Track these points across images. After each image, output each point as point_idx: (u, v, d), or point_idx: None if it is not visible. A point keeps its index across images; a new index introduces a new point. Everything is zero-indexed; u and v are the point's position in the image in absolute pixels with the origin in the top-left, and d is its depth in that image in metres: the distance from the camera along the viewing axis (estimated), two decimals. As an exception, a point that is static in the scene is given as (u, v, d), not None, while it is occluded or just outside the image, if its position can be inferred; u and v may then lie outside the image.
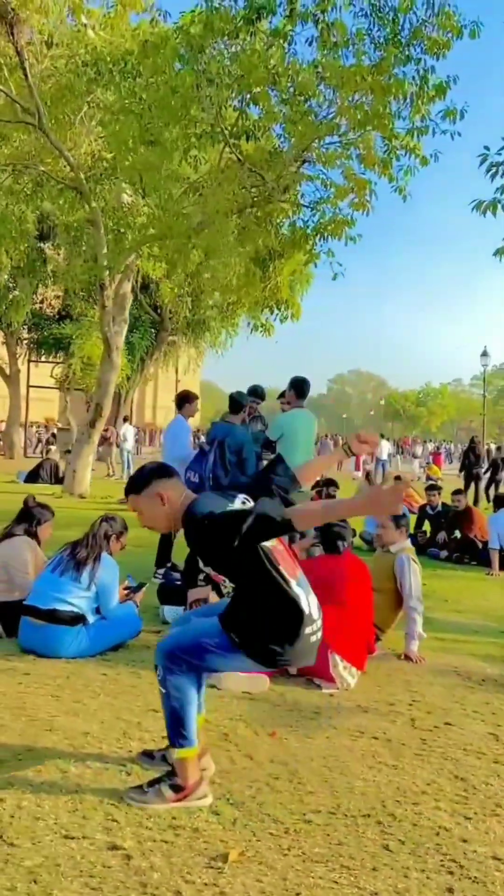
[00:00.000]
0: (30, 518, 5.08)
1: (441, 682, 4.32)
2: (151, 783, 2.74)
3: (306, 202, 11.34)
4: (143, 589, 5.08)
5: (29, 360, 33.36)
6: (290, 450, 6.55)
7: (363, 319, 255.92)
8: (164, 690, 2.72)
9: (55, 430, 36.48)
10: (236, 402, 6.79)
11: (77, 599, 4.42)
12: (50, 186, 13.19)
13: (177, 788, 2.69)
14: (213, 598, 5.10)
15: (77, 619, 4.43)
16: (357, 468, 25.25)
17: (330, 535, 4.60)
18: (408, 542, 5.24)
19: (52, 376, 31.33)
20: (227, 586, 3.87)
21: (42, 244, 23.11)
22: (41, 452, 28.92)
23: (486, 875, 2.36)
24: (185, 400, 7.33)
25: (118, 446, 22.70)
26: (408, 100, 10.43)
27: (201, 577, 5.43)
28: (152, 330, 29.52)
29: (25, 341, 32.56)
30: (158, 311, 27.28)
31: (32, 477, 18.40)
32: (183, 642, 2.73)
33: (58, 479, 17.43)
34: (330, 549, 4.60)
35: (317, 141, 10.53)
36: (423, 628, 5.03)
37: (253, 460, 6.67)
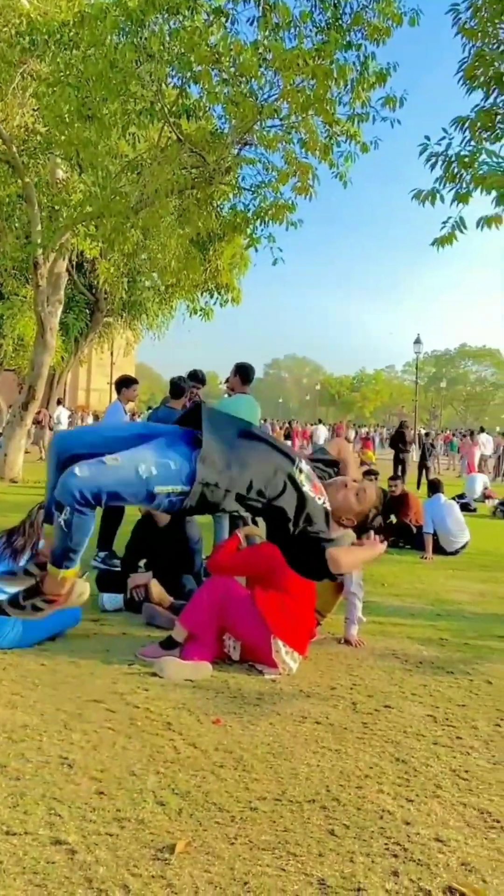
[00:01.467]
0: None
1: (380, 666, 4.38)
2: (26, 597, 2.94)
3: (247, 185, 11.28)
4: (84, 577, 4.97)
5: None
6: (231, 435, 6.53)
7: (300, 305, 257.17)
8: (66, 529, 2.80)
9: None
10: (178, 388, 6.73)
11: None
12: (-20, 160, 12.73)
13: (50, 601, 2.92)
14: (155, 586, 5.07)
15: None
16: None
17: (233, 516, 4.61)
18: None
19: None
20: None
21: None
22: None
23: (429, 857, 2.40)
24: (122, 384, 7.22)
25: (51, 429, 22.30)
26: (348, 85, 10.44)
27: (141, 563, 5.40)
28: (87, 311, 29.03)
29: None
30: (94, 291, 26.83)
31: (-38, 460, 17.89)
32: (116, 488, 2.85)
33: (-11, 463, 16.99)
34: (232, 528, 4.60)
35: (258, 123, 10.44)
36: (364, 612, 5.09)
37: (193, 446, 6.62)
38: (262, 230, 10.97)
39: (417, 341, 35.71)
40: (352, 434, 31.11)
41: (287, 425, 31.02)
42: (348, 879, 2.26)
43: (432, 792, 2.85)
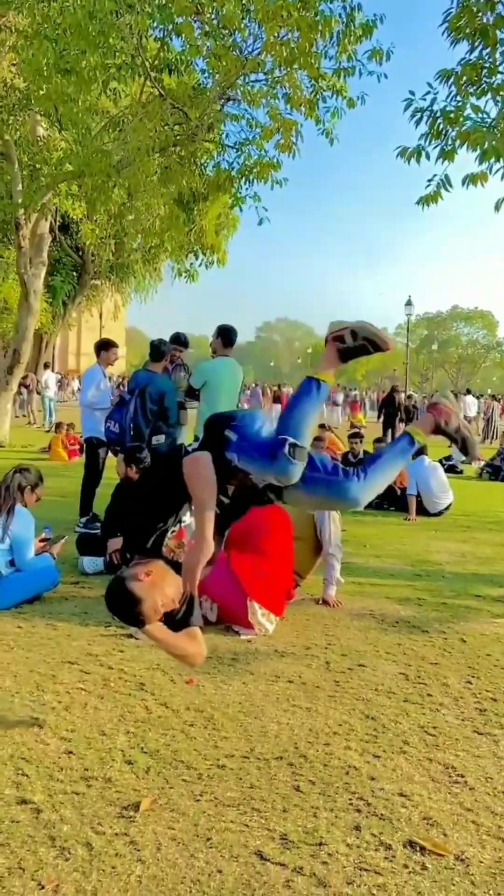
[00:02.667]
0: None
1: (356, 626, 4.41)
2: None
3: (231, 143, 11.04)
4: (62, 541, 4.97)
5: None
6: (214, 398, 6.48)
7: (292, 267, 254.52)
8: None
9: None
10: (158, 350, 6.65)
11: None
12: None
13: None
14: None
15: (-13, 571, 4.32)
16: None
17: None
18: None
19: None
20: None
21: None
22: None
23: (392, 812, 2.43)
24: (102, 347, 7.13)
25: (39, 394, 22.15)
26: (334, 38, 10.19)
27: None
28: (74, 273, 28.64)
29: None
30: (81, 253, 26.40)
31: None
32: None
33: (-25, 427, 16.91)
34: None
35: (242, 78, 10.20)
36: (342, 573, 5.11)
37: (175, 409, 6.59)
38: (246, 189, 10.81)
39: (408, 303, 35.44)
40: (340, 397, 30.93)
41: (276, 388, 30.89)
42: (310, 834, 2.29)
43: (399, 748, 2.88)
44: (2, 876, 2.02)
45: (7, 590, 4.38)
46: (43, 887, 1.99)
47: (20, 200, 12.05)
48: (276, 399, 23.22)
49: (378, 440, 10.08)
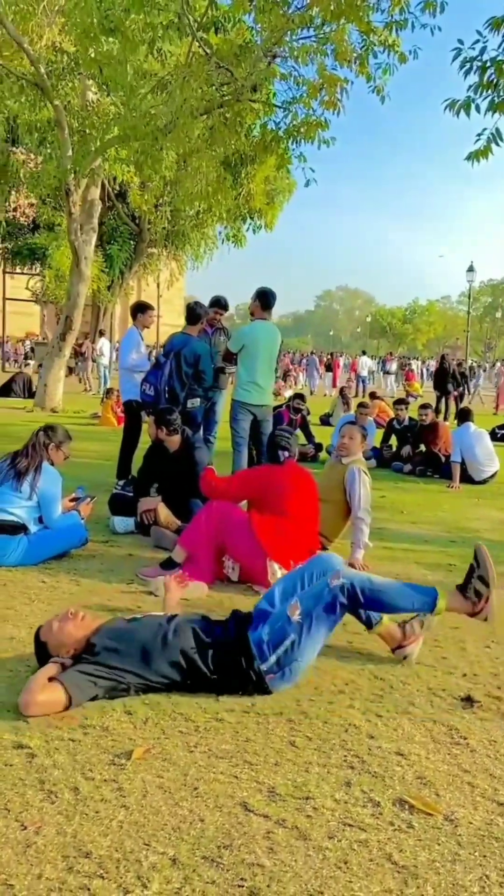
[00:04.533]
0: None
1: (380, 589, 4.34)
2: None
3: (278, 102, 10.80)
4: (91, 501, 5.01)
5: (4, 272, 32.55)
6: (251, 362, 6.44)
7: (353, 234, 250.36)
8: None
9: (33, 344, 35.98)
10: (194, 313, 6.62)
11: (17, 509, 4.38)
12: (10, 83, 12.48)
13: None
14: (162, 509, 5.09)
15: (18, 528, 4.39)
16: (333, 384, 25.12)
17: (272, 445, 4.55)
18: (360, 455, 5.20)
19: (27, 288, 30.68)
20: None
21: (14, 148, 22.16)
22: (21, 367, 28.61)
23: (386, 770, 2.39)
24: (137, 310, 7.14)
25: (94, 361, 22.43)
26: (386, -11, 9.83)
27: (153, 488, 5.42)
28: (131, 242, 28.71)
29: (-1, 252, 31.71)
30: (137, 221, 26.46)
31: (5, 391, 18.27)
32: None
33: (30, 394, 17.30)
34: (272, 459, 4.54)
35: (289, 35, 9.94)
36: (376, 538, 5.05)
37: (210, 372, 6.57)
38: (294, 150, 10.57)
39: (471, 269, 34.49)
40: (393, 366, 30.46)
41: (329, 356, 30.62)
42: (299, 788, 2.27)
43: (404, 709, 2.83)
44: (-13, 815, 2.06)
45: (35, 546, 4.45)
46: (25, 828, 2.02)
47: (70, 166, 12.08)
48: (328, 367, 23.05)
49: (424, 406, 9.86)
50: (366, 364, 27.22)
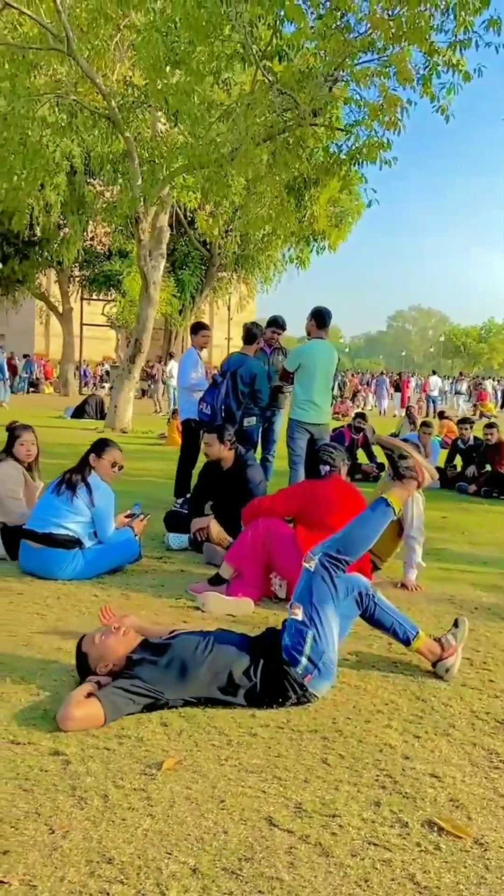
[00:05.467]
0: (11, 440, 5.09)
1: (431, 610, 4.28)
2: None
3: (340, 125, 10.86)
4: (145, 518, 5.08)
5: (81, 299, 33.62)
6: (308, 381, 6.47)
7: (425, 253, 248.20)
8: None
9: (108, 368, 36.92)
10: (250, 333, 6.70)
11: (72, 524, 4.50)
12: (84, 117, 12.98)
13: None
14: (214, 526, 5.14)
15: (73, 542, 4.51)
16: (402, 405, 24.85)
17: (314, 460, 4.55)
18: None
19: (103, 314, 31.56)
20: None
21: (92, 179, 22.95)
22: (96, 389, 29.44)
23: (418, 791, 2.35)
24: (192, 330, 7.28)
25: (164, 383, 22.83)
26: (449, 11, 9.82)
27: (207, 507, 5.48)
28: (202, 267, 29.22)
29: (77, 279, 32.74)
30: (208, 246, 26.93)
31: (79, 413, 18.76)
32: None
33: (103, 415, 17.72)
34: (313, 474, 4.54)
35: (350, 58, 10.02)
36: (432, 559, 4.98)
37: (266, 391, 6.62)
38: (357, 170, 10.59)
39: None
40: (464, 386, 29.93)
41: (397, 377, 30.35)
42: (327, 805, 2.25)
43: (444, 731, 2.77)
44: (18, 819, 2.12)
45: (89, 561, 4.56)
46: (53, 832, 2.07)
47: (139, 194, 12.43)
48: (396, 387, 22.87)
49: (489, 426, 9.65)
50: (436, 384, 26.85)
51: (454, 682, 3.22)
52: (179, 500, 6.87)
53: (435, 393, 26.28)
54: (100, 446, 4.80)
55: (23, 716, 2.73)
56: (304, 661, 2.83)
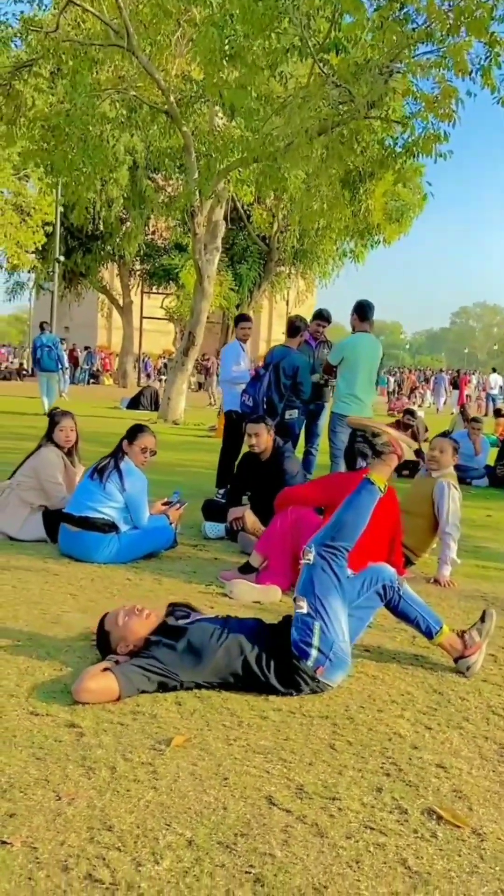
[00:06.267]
0: (51, 426, 5.22)
1: (461, 606, 4.25)
2: None
3: (396, 118, 10.75)
4: (180, 506, 5.15)
5: (142, 292, 34.11)
6: (351, 374, 6.46)
7: (491, 249, 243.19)
8: None
9: (167, 361, 37.38)
10: (293, 326, 6.72)
11: (107, 508, 4.60)
12: (143, 112, 13.15)
13: None
14: (249, 516, 5.19)
15: (109, 526, 4.62)
16: (459, 402, 24.46)
17: (351, 453, 4.55)
18: (451, 469, 5.10)
19: (162, 307, 31.92)
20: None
21: (154, 174, 23.25)
22: (153, 381, 29.84)
23: (421, 780, 2.35)
24: (234, 322, 7.33)
25: (218, 376, 23.00)
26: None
27: (245, 496, 5.54)
28: (260, 261, 29.27)
29: (138, 273, 33.22)
30: (266, 241, 26.95)
31: (134, 404, 19.08)
32: None
33: (157, 406, 17.98)
34: (350, 467, 4.54)
35: (408, 50, 9.91)
36: (470, 556, 4.94)
37: (308, 384, 6.63)
38: (413, 163, 10.47)
39: None
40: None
41: (455, 374, 29.88)
42: (328, 788, 2.28)
43: (457, 724, 2.77)
44: (28, 785, 2.20)
45: (125, 546, 4.66)
46: (60, 798, 2.15)
47: (195, 188, 12.55)
48: (455, 384, 22.56)
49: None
50: (496, 382, 26.34)
51: (474, 678, 3.20)
52: (221, 491, 6.94)
53: (495, 391, 25.78)
54: (133, 433, 4.87)
55: (44, 689, 2.83)
56: (314, 652, 2.84)
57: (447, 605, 4.24)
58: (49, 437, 5.16)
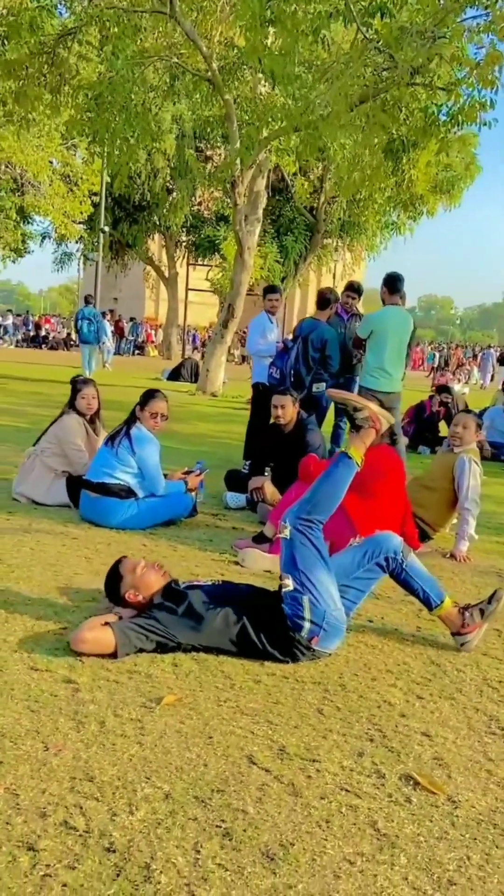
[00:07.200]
0: (74, 394, 5.29)
1: (474, 581, 4.22)
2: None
3: (442, 84, 10.46)
4: (199, 474, 5.18)
5: (188, 264, 34.08)
6: (380, 348, 6.40)
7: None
8: None
9: (212, 333, 37.43)
10: (323, 298, 6.67)
11: (122, 474, 4.67)
12: (186, 80, 13.05)
13: None
14: (269, 487, 5.22)
15: (127, 492, 4.69)
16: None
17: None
18: (473, 445, 5.04)
19: (206, 279, 31.86)
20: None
21: (200, 143, 23.12)
22: (194, 353, 30.00)
23: (404, 746, 2.38)
24: (262, 294, 7.29)
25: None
26: None
27: (267, 468, 5.56)
28: (307, 233, 28.94)
29: (184, 244, 33.17)
30: (314, 212, 26.63)
31: (174, 375, 19.20)
32: None
33: (197, 378, 18.05)
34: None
35: (454, 14, 9.60)
36: (492, 532, 4.90)
37: (337, 357, 6.58)
38: (456, 132, 10.22)
39: None
40: None
41: (502, 349, 29.27)
42: (310, 751, 2.32)
43: (449, 694, 2.77)
44: (19, 735, 2.29)
45: (143, 512, 4.74)
46: (47, 749, 2.23)
47: (236, 158, 12.44)
48: (502, 361, 22.10)
49: None
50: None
51: (476, 652, 3.19)
52: (248, 463, 6.98)
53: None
54: (144, 398, 4.92)
55: (47, 646, 2.92)
56: (307, 625, 2.86)
57: (460, 580, 4.22)
58: (71, 405, 5.25)
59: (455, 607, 3.19)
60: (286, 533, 2.96)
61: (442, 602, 3.16)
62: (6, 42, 12.57)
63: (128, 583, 3.01)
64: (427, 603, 3.17)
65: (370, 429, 3.21)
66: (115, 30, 12.48)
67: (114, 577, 3.07)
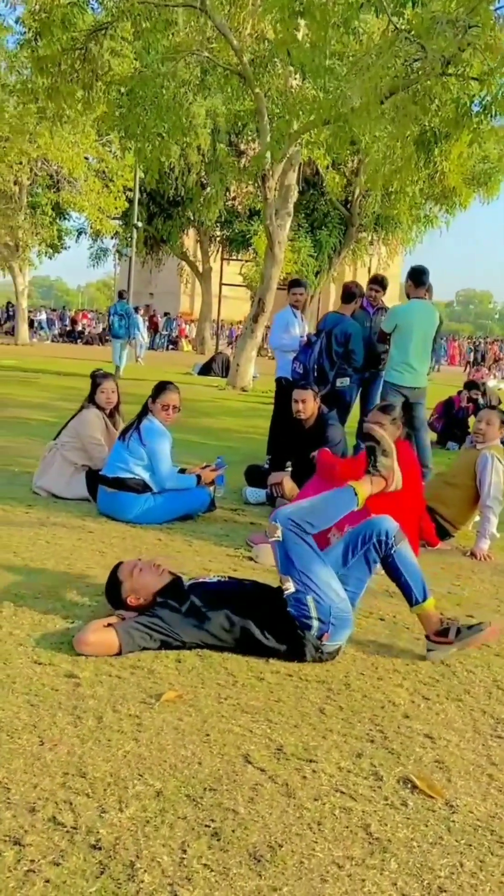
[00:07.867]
0: (93, 388, 5.30)
1: (493, 580, 4.14)
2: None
3: (475, 74, 10.26)
4: (214, 469, 5.12)
5: (221, 259, 34.07)
6: (404, 343, 6.32)
7: None
8: None
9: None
10: (348, 292, 6.60)
11: (135, 467, 4.66)
12: (217, 74, 13.01)
13: None
14: (287, 482, 5.18)
15: (143, 487, 4.69)
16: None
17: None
18: (497, 441, 4.94)
19: (240, 274, 31.84)
20: None
21: (235, 137, 23.11)
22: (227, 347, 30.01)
23: (405, 748, 2.33)
24: (287, 288, 7.22)
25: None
26: None
27: (288, 464, 5.52)
28: (341, 227, 28.70)
29: (218, 239, 33.18)
30: (348, 206, 26.41)
31: (205, 370, 19.22)
32: None
33: (227, 372, 18.04)
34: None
35: (487, 3, 9.40)
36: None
37: (361, 352, 6.51)
38: (488, 123, 10.02)
39: None
40: None
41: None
42: (308, 751, 2.28)
43: (456, 696, 2.71)
44: (16, 729, 2.29)
45: (160, 505, 4.73)
46: (43, 744, 2.23)
47: (266, 152, 12.38)
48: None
49: None
50: None
51: (486, 651, 3.12)
52: (269, 458, 6.94)
53: None
54: (156, 390, 4.90)
55: (52, 639, 2.92)
56: (315, 623, 2.81)
57: (478, 579, 4.14)
58: (91, 399, 5.26)
59: (437, 611, 3.08)
60: (278, 535, 2.90)
61: (425, 600, 3.03)
62: (39, 39, 12.62)
63: (127, 588, 3.00)
64: (409, 597, 3.02)
65: (382, 479, 3.14)
66: (147, 25, 12.48)
67: (113, 584, 3.05)
